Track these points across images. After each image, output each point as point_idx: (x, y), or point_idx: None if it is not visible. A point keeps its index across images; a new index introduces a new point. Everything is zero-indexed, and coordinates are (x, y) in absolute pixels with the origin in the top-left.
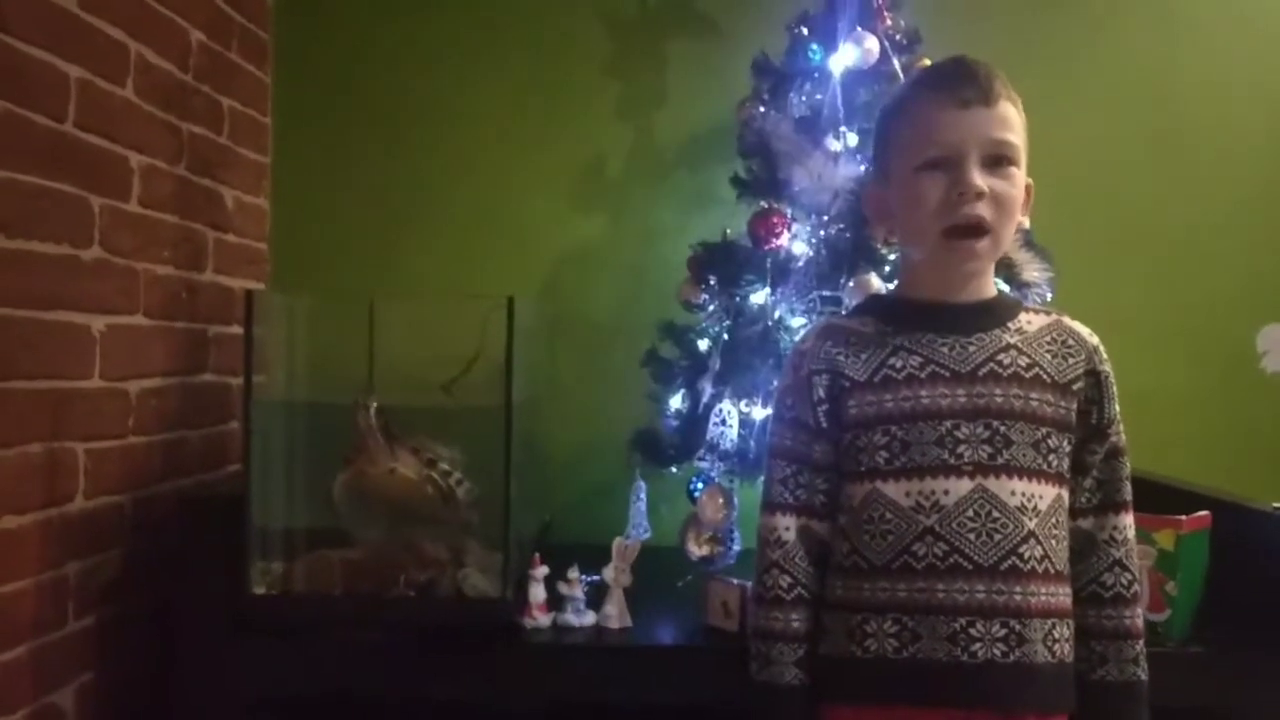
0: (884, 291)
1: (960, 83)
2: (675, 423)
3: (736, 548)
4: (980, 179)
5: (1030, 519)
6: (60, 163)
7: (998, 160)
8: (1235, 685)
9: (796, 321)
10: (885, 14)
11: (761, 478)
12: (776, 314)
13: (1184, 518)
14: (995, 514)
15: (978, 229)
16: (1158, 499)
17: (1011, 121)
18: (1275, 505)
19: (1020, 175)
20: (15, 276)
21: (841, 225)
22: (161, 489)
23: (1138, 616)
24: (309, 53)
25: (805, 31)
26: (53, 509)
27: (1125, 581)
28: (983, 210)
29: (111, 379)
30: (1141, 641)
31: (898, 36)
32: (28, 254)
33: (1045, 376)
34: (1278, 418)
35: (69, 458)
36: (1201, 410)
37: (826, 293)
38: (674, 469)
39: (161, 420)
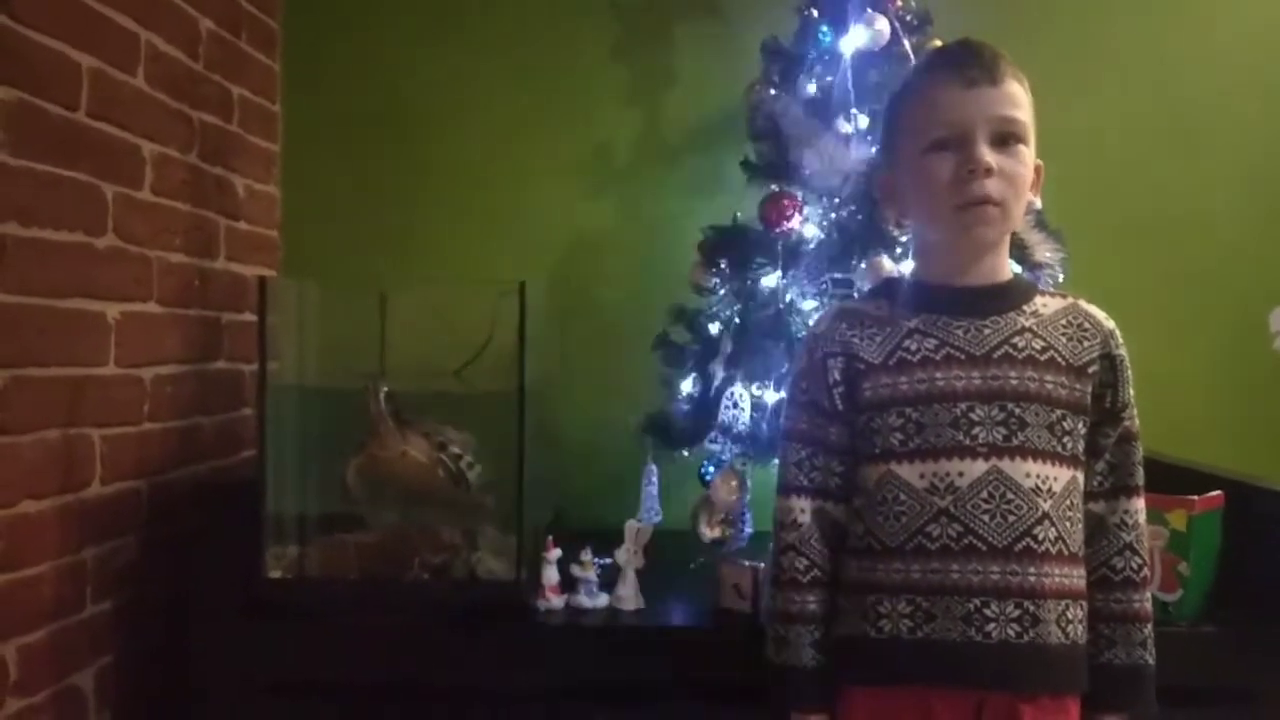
0: (896, 274)
1: (965, 63)
2: (687, 406)
3: (749, 530)
4: (989, 156)
5: (1044, 501)
6: (73, 152)
7: (1005, 138)
8: (1248, 665)
9: (808, 305)
10: None
11: (773, 460)
12: (788, 297)
13: (1196, 498)
14: (1010, 495)
15: (987, 204)
16: (1170, 479)
17: (1018, 99)
18: None
19: (1029, 154)
20: (31, 265)
21: (853, 208)
22: (177, 475)
23: (1147, 601)
24: (318, 41)
25: (815, 13)
26: (70, 495)
27: (1135, 565)
28: (992, 188)
29: (126, 366)
30: (1150, 626)
31: (908, 17)
32: (43, 242)
33: (1060, 359)
34: None
35: (85, 444)
36: (1213, 391)
37: (838, 276)
38: (686, 452)
39: (176, 407)
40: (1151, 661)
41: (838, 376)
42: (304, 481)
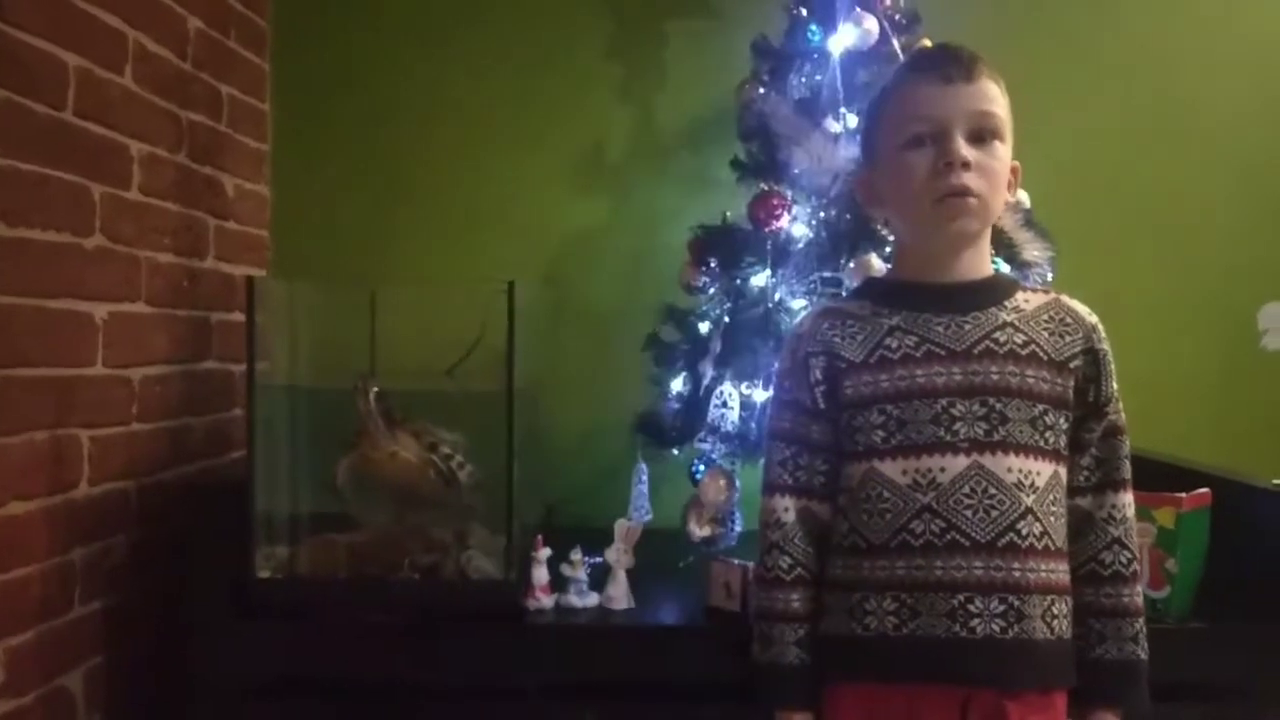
0: (884, 273)
1: (942, 61)
2: (677, 405)
3: (738, 529)
4: (966, 150)
5: (1027, 495)
6: (60, 151)
7: (982, 134)
8: (1235, 662)
9: (797, 304)
10: None
11: (762, 459)
12: (777, 296)
13: (1184, 495)
14: (992, 490)
15: (965, 195)
16: (1158, 477)
17: (994, 96)
18: (1276, 482)
19: (1005, 150)
20: (18, 265)
21: (841, 207)
22: (166, 475)
23: (1137, 595)
24: (307, 39)
25: (804, 12)
26: (58, 495)
27: (1124, 560)
28: (970, 180)
29: (115, 366)
30: (1141, 620)
31: (897, 17)
32: (30, 242)
33: (1042, 354)
34: (1278, 396)
35: (73, 445)
36: (1202, 388)
37: (827, 274)
38: (676, 451)
39: (165, 407)
40: (1144, 656)
41: (819, 375)
42: (294, 482)
